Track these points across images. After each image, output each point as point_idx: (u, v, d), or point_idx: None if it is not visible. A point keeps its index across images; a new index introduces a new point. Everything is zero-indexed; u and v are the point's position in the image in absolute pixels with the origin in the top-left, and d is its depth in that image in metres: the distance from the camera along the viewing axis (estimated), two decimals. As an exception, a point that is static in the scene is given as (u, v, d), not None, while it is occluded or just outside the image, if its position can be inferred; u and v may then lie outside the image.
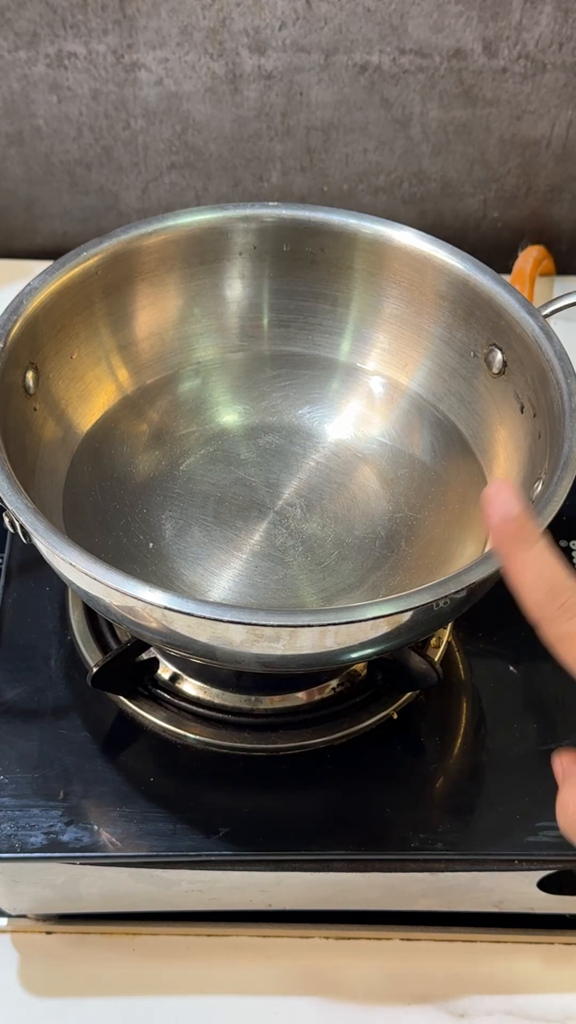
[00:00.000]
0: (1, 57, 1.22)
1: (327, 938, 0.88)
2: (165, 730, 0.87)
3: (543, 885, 0.84)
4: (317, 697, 0.88)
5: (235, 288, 0.98)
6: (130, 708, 0.88)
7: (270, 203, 0.95)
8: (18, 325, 0.85)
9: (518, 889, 0.85)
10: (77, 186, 1.34)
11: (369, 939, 0.88)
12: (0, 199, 1.36)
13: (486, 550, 0.74)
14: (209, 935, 0.88)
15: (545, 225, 1.36)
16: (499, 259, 1.32)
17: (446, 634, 0.92)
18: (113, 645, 0.91)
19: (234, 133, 1.28)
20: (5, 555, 0.96)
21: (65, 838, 0.81)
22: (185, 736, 0.87)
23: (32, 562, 0.95)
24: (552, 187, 1.33)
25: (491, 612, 0.92)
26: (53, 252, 1.39)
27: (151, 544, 0.87)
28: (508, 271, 1.28)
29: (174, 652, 0.82)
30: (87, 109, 1.27)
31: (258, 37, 1.20)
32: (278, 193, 1.34)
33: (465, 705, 0.90)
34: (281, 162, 1.30)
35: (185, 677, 0.89)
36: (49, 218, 1.37)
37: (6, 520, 0.80)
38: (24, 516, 0.74)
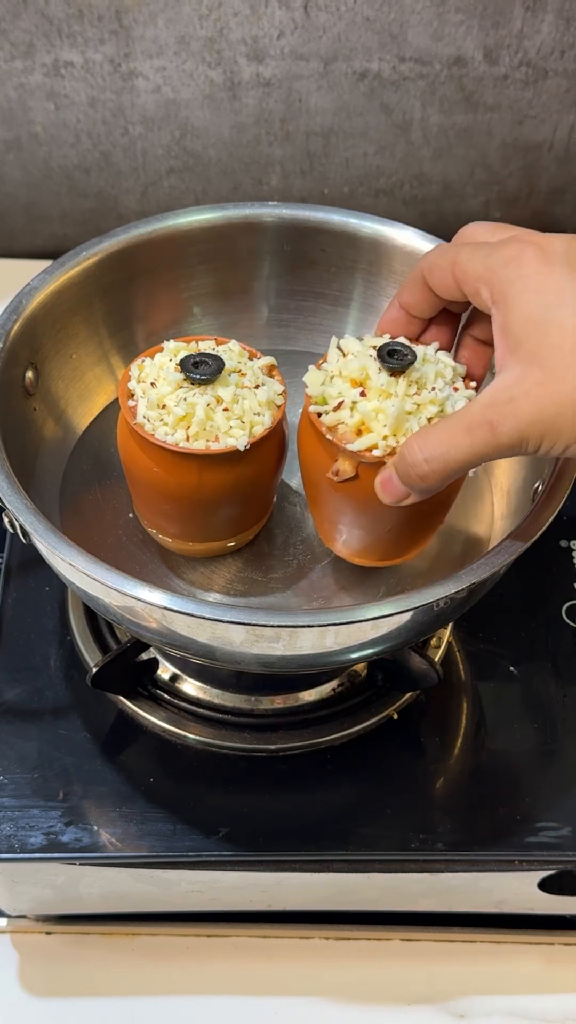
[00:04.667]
0: (-3, 66, 1.23)
1: (327, 938, 0.88)
2: (165, 730, 0.87)
3: (543, 885, 0.84)
4: (317, 697, 0.88)
5: (235, 288, 0.98)
6: (130, 708, 0.88)
7: (270, 203, 0.95)
8: (18, 325, 0.85)
9: (518, 889, 0.85)
10: (76, 190, 1.34)
11: (369, 939, 0.88)
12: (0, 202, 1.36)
13: (487, 550, 0.74)
14: (209, 935, 0.87)
15: (547, 226, 1.36)
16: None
17: (446, 634, 0.92)
18: (113, 645, 0.91)
19: (233, 138, 1.29)
20: (5, 555, 0.96)
21: (65, 838, 0.81)
22: (185, 736, 0.87)
23: (32, 562, 0.95)
24: (554, 189, 1.33)
25: (491, 612, 0.93)
26: (53, 254, 1.39)
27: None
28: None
29: (174, 652, 0.82)
30: (85, 116, 1.27)
31: (256, 46, 1.21)
32: (278, 196, 1.34)
33: (465, 705, 0.90)
34: (281, 166, 1.31)
35: (185, 677, 0.89)
36: (49, 221, 1.37)
37: (6, 520, 0.80)
38: (24, 516, 0.74)
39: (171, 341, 0.82)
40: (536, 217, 1.35)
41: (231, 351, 0.82)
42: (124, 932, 0.88)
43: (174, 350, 0.81)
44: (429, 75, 1.23)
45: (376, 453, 0.74)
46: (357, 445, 0.74)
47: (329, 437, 0.75)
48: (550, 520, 0.75)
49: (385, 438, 0.74)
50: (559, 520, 0.75)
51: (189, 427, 0.76)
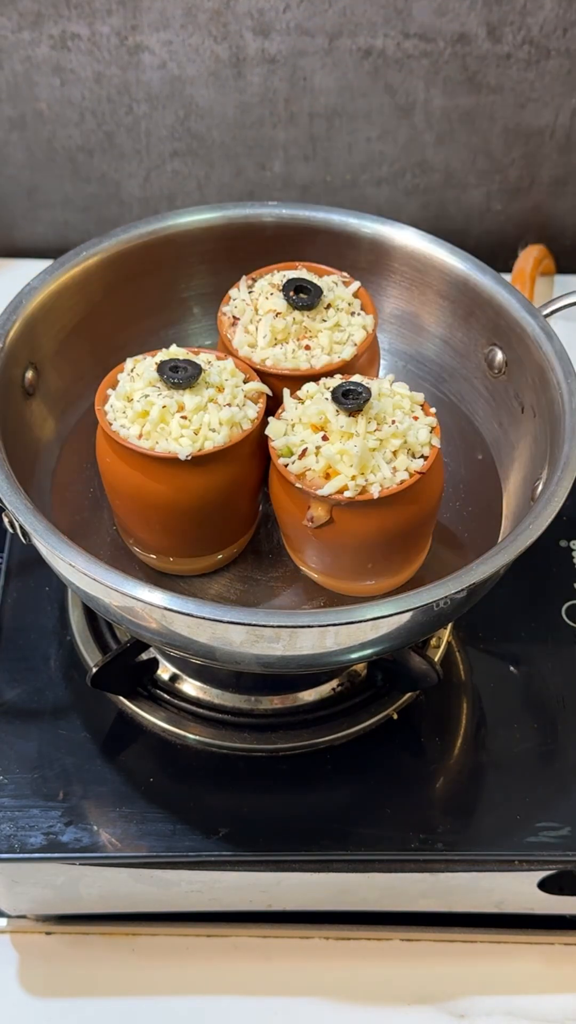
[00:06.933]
0: (4, 38, 1.22)
1: (327, 938, 0.88)
2: (165, 730, 0.87)
3: (543, 885, 0.84)
4: (317, 697, 0.88)
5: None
6: (130, 708, 0.88)
7: (270, 203, 0.95)
8: (17, 325, 0.85)
9: (518, 889, 0.85)
10: (79, 173, 1.33)
11: (369, 939, 0.88)
12: (1, 185, 1.35)
13: (488, 551, 0.74)
14: (209, 935, 0.88)
15: (548, 219, 1.35)
16: (502, 254, 1.31)
17: (446, 634, 0.92)
18: (113, 645, 0.91)
19: (237, 119, 1.28)
20: (5, 555, 0.96)
21: (65, 838, 0.81)
22: (185, 736, 0.87)
23: (32, 562, 0.95)
24: (556, 180, 1.32)
25: (491, 612, 0.93)
26: (54, 241, 1.38)
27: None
28: (511, 267, 1.27)
29: (174, 652, 0.82)
30: (90, 93, 1.26)
31: (262, 19, 1.20)
32: (280, 182, 1.33)
33: (465, 705, 0.90)
34: (284, 150, 1.30)
35: (185, 677, 0.89)
36: (50, 206, 1.36)
37: (6, 520, 0.80)
38: (24, 516, 0.74)
39: (174, 346, 0.82)
40: (537, 210, 1.35)
41: (223, 368, 0.81)
42: (124, 932, 0.88)
43: (172, 354, 0.81)
44: (433, 53, 1.22)
45: (348, 494, 0.75)
46: (327, 489, 0.75)
47: (299, 486, 0.76)
48: (550, 520, 0.75)
49: (354, 478, 0.75)
50: (559, 520, 0.75)
51: (144, 425, 0.77)
